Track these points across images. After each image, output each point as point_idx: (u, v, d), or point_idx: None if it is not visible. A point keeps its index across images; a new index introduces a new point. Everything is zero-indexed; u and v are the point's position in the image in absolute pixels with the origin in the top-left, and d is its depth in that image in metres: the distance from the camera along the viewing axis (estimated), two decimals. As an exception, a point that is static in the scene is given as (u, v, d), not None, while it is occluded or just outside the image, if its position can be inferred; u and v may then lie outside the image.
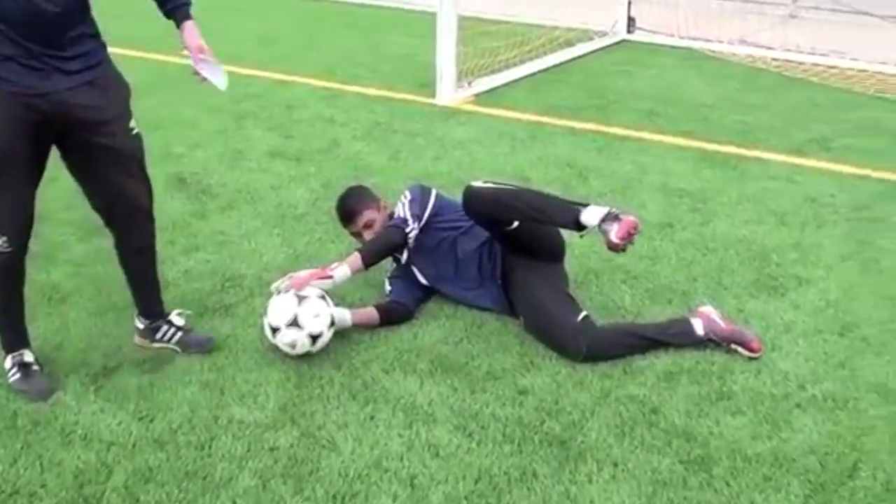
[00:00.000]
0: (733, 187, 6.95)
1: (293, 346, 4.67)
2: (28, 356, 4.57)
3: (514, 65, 9.96)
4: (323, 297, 4.80)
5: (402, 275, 5.34)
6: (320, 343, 4.72)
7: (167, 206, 6.26)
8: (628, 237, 4.65)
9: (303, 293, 4.74)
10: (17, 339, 4.58)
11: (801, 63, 10.37)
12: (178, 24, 4.42)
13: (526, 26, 11.09)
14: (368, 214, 5.27)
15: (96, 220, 4.57)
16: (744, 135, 8.12)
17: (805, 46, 10.76)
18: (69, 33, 4.10)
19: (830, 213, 6.55)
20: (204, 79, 4.44)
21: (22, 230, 4.27)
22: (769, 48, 10.89)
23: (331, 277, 4.87)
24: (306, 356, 4.74)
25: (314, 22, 12.40)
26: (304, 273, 4.89)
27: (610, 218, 4.68)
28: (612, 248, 4.68)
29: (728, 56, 10.76)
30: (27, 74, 4.04)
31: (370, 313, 5.04)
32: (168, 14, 4.42)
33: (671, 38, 11.41)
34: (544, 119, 8.40)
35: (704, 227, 6.27)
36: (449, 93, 8.85)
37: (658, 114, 8.68)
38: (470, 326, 5.06)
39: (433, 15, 9.03)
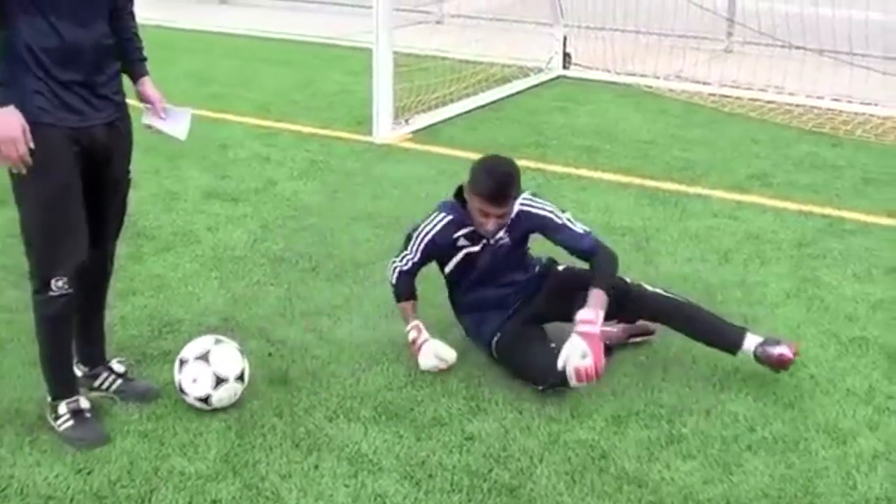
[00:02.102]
0: (675, 224, 6.92)
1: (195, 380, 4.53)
2: (84, 402, 4.44)
3: (451, 101, 9.90)
4: (203, 357, 4.58)
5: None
6: (215, 401, 4.53)
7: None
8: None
9: (182, 356, 4.61)
10: (72, 384, 4.47)
11: (738, 98, 10.40)
12: (135, 80, 4.43)
13: (462, 63, 11.03)
14: (513, 203, 4.92)
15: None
16: (685, 171, 8.11)
17: (742, 81, 10.80)
18: (106, 69, 4.14)
19: (774, 250, 6.53)
20: (158, 130, 4.47)
21: (79, 271, 4.21)
22: (706, 83, 10.92)
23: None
24: (245, 403, 4.61)
25: (248, 59, 12.27)
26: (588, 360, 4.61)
27: (770, 343, 4.86)
28: (780, 364, 4.83)
29: (665, 91, 10.76)
30: (68, 109, 4.03)
31: None
32: (124, 69, 4.36)
33: (607, 73, 11.40)
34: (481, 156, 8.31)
35: (647, 266, 6.22)
36: (386, 130, 8.76)
37: (597, 150, 8.65)
38: (413, 371, 4.95)
39: (368, 51, 8.95)
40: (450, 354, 4.93)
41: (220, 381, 4.51)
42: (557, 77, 11.46)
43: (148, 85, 4.47)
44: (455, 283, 5.19)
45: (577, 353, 4.58)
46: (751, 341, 4.88)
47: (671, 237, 6.68)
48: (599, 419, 4.58)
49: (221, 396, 4.52)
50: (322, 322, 5.35)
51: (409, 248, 5.06)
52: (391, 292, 5.16)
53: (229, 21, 14.32)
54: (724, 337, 4.96)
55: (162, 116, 4.49)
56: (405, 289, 5.10)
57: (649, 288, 5.08)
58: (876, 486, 4.19)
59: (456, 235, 4.99)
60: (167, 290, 5.81)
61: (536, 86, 11.04)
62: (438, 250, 5.04)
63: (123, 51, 4.31)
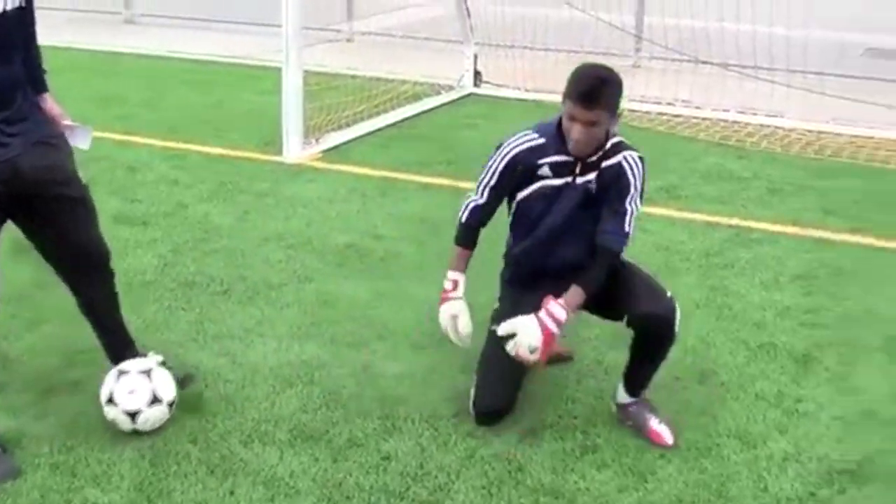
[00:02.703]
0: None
1: (114, 425, 4.49)
2: None
3: (362, 120, 9.88)
4: (146, 373, 4.55)
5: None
6: (141, 420, 4.48)
7: (9, 276, 5.99)
8: None
9: (123, 367, 4.56)
10: None
11: (647, 112, 10.52)
12: (36, 96, 4.37)
13: (373, 81, 11.06)
14: (603, 115, 4.39)
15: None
16: (593, 184, 8.18)
17: (650, 96, 10.94)
18: (17, 96, 4.10)
19: (682, 261, 6.63)
20: None
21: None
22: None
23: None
24: (160, 431, 4.56)
25: (156, 80, 12.12)
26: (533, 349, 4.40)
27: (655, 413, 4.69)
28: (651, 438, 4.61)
29: (573, 107, 10.84)
30: None
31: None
32: None
33: (518, 90, 11.48)
34: (395, 174, 8.34)
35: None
36: (296, 150, 8.74)
37: (508, 166, 8.69)
38: (328, 393, 4.93)
39: (278, 70, 8.93)
40: (465, 329, 4.70)
41: (155, 399, 4.48)
42: (469, 94, 11.51)
43: (48, 101, 4.44)
44: (517, 226, 4.80)
45: (526, 342, 4.40)
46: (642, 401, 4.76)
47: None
48: (515, 432, 4.61)
49: (149, 417, 4.48)
50: (235, 345, 5.32)
51: (486, 171, 4.69)
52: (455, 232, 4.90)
53: (137, 41, 14.17)
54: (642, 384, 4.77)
55: (64, 132, 4.45)
56: (466, 230, 4.83)
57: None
58: (787, 487, 4.29)
59: (541, 161, 4.55)
60: (77, 318, 5.71)
61: (448, 103, 11.07)
62: (518, 174, 4.59)
63: (24, 69, 4.28)
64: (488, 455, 4.44)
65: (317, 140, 9.07)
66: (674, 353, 5.22)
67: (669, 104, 10.79)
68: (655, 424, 4.63)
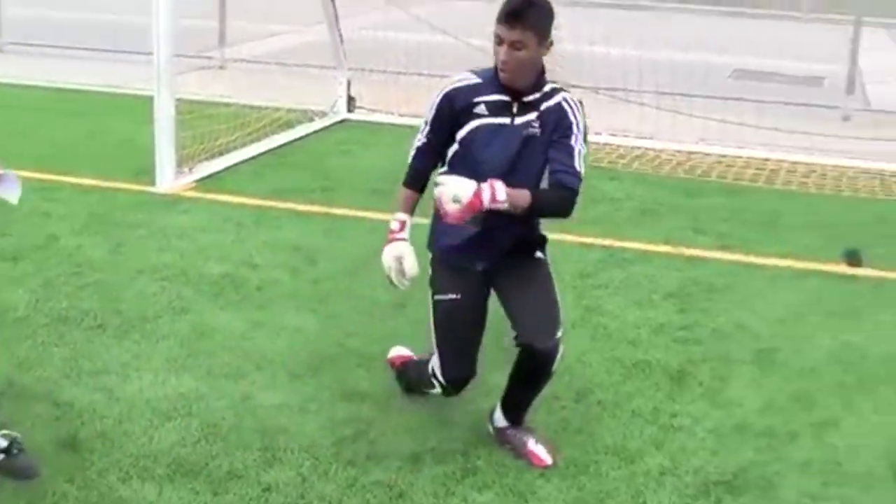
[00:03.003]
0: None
1: None
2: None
3: (236, 148, 9.81)
4: None
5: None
6: None
7: None
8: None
9: None
10: None
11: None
12: None
13: (246, 108, 10.99)
14: (528, 37, 4.31)
15: None
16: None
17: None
18: None
19: (558, 282, 6.69)
20: None
21: None
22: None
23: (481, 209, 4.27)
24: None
25: (24, 109, 11.84)
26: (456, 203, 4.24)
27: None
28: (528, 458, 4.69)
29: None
30: None
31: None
32: None
33: (391, 115, 11.53)
34: (269, 203, 8.30)
35: (438, 304, 6.31)
36: (169, 180, 8.65)
37: (383, 192, 8.69)
38: (207, 425, 4.89)
39: (150, 99, 8.84)
40: (411, 271, 4.58)
41: None
42: (342, 120, 11.53)
43: None
44: (457, 169, 4.51)
45: (452, 193, 4.27)
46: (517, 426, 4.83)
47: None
48: (396, 459, 4.63)
49: None
50: (111, 380, 5.24)
51: (427, 112, 4.58)
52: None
53: (4, 70, 13.88)
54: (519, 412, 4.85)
55: None
56: (412, 171, 4.70)
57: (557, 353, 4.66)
58: (664, 500, 4.41)
59: (477, 100, 4.48)
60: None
61: (321, 130, 11.07)
62: (456, 111, 4.49)
63: None
64: (369, 483, 4.44)
65: (190, 169, 8.99)
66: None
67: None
68: (532, 445, 4.69)
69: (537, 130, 4.46)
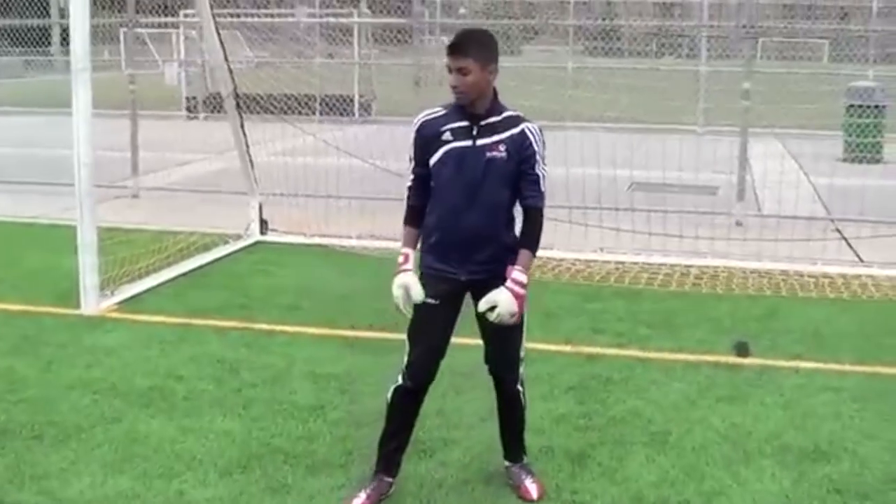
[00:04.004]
0: (377, 367, 7.43)
1: None
2: None
3: (155, 271, 10.20)
4: None
5: None
6: None
7: None
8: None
9: None
10: None
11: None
12: None
13: (162, 233, 11.43)
14: (470, 64, 5.05)
15: None
16: (382, 318, 8.65)
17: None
18: None
19: (466, 381, 7.14)
20: None
21: None
22: (397, 240, 11.58)
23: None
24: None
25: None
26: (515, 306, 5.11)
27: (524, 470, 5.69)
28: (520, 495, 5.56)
29: (360, 250, 11.41)
30: None
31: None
32: None
33: (303, 236, 12.00)
34: (191, 321, 8.68)
35: (354, 405, 6.74)
36: (93, 303, 9.00)
37: (300, 307, 9.16)
38: (145, 517, 5.23)
39: (67, 227, 9.19)
40: (417, 297, 5.21)
41: None
42: (256, 243, 11.97)
43: None
44: (433, 195, 5.28)
45: (507, 311, 5.08)
46: (518, 464, 5.72)
47: (374, 378, 7.12)
48: None
49: None
50: (52, 484, 5.57)
51: (410, 151, 5.32)
52: None
53: None
54: (515, 449, 5.75)
55: None
56: (409, 211, 5.37)
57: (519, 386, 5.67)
58: (567, 568, 4.81)
59: (444, 128, 5.18)
60: None
61: (237, 251, 11.51)
62: (427, 142, 5.21)
63: None
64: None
65: (112, 292, 9.34)
66: (461, 460, 5.80)
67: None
68: (528, 483, 5.55)
69: (504, 155, 5.14)
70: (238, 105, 11.89)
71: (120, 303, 9.27)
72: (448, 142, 5.16)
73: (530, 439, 6.13)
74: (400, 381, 5.45)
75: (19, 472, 5.78)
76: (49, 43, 37.26)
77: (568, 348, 7.99)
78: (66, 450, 6.08)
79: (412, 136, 5.30)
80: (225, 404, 6.78)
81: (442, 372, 7.10)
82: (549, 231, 11.26)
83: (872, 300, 9.54)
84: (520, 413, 5.66)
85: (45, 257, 10.98)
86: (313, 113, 20.20)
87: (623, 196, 13.40)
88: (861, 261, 11.09)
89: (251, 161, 12.23)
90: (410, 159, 5.34)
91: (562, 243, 11.19)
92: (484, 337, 5.50)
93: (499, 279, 5.16)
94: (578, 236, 11.49)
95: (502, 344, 5.47)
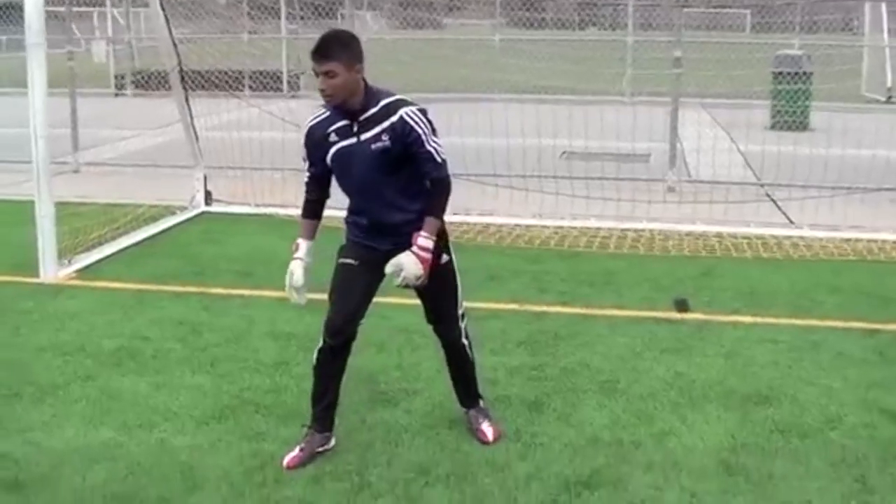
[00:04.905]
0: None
1: None
2: None
3: (107, 241, 10.39)
4: None
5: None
6: None
7: None
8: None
9: None
10: None
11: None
12: None
13: (110, 206, 11.63)
14: (335, 66, 5.20)
15: None
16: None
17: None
18: None
19: (421, 338, 7.46)
20: None
21: None
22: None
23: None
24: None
25: None
26: (420, 264, 5.41)
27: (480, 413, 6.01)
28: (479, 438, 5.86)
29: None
30: None
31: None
32: None
33: (248, 206, 12.25)
34: (148, 287, 8.91)
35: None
36: (52, 271, 9.20)
37: (252, 273, 9.41)
38: (131, 465, 5.52)
39: (11, 202, 9.37)
40: (296, 282, 5.64)
41: None
42: (202, 213, 12.19)
43: None
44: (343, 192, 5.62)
45: (412, 273, 5.37)
46: (475, 409, 6.06)
47: (333, 336, 7.48)
48: (300, 480, 5.35)
49: None
50: (37, 436, 5.83)
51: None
52: None
53: None
54: (469, 395, 6.09)
55: None
56: (305, 203, 5.74)
57: (464, 336, 6.03)
58: (533, 500, 5.17)
59: (329, 129, 5.41)
60: None
61: (184, 222, 11.74)
62: (316, 144, 5.45)
63: None
64: (281, 498, 5.17)
65: (69, 261, 9.54)
66: (424, 408, 6.13)
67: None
68: (484, 427, 5.89)
69: (388, 143, 5.35)
70: (183, 79, 12.08)
71: (78, 271, 9.48)
72: (335, 142, 5.42)
73: (487, 390, 6.47)
74: (321, 341, 5.70)
75: (3, 426, 6.02)
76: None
77: (515, 306, 8.34)
78: (46, 406, 6.32)
79: (303, 139, 5.57)
80: (192, 362, 7.04)
81: (398, 330, 7.51)
82: (490, 197, 11.83)
83: (804, 259, 10.01)
84: (467, 364, 6.03)
85: (-6, 231, 11.14)
86: (242, 88, 20.36)
87: (558, 164, 13.78)
88: (791, 223, 11.57)
89: (196, 133, 12.43)
90: (304, 159, 5.64)
91: (502, 210, 11.59)
92: (420, 299, 5.86)
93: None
94: (517, 203, 11.86)
95: (436, 304, 5.86)
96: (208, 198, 12.50)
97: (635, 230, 11.05)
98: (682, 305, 8.26)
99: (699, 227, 11.08)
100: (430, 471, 5.46)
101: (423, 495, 5.21)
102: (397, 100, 5.42)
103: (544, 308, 8.33)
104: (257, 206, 12.24)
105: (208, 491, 5.25)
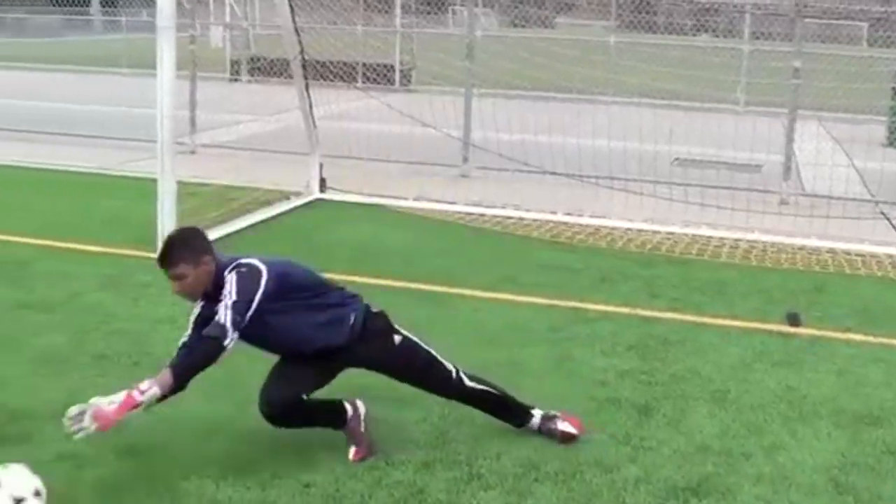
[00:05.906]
0: (444, 318, 7.82)
1: None
2: None
3: (223, 222, 10.55)
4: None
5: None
6: None
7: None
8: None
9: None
10: None
11: (482, 215, 11.59)
12: None
13: (226, 188, 11.86)
14: (183, 268, 5.27)
15: None
16: (443, 275, 9.05)
17: (481, 200, 12.00)
18: None
19: (531, 335, 7.53)
20: None
21: None
22: (451, 202, 12.03)
23: (138, 406, 4.88)
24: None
25: (22, 188, 12.56)
26: (107, 407, 4.79)
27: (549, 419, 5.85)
28: (564, 440, 5.78)
29: (413, 210, 11.83)
30: None
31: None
32: None
33: (361, 196, 12.39)
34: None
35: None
36: (170, 248, 9.37)
37: (363, 260, 9.52)
38: (248, 436, 5.68)
39: (132, 178, 9.56)
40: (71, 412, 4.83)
41: (18, 501, 4.54)
42: (315, 200, 12.36)
43: None
44: None
45: (92, 413, 4.78)
46: (535, 419, 5.88)
47: (443, 328, 7.41)
48: (411, 466, 5.42)
49: None
50: (161, 405, 5.96)
51: None
52: None
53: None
54: (516, 416, 5.91)
55: None
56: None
57: (467, 382, 5.77)
58: (641, 501, 5.18)
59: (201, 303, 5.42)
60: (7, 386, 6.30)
61: (298, 207, 11.91)
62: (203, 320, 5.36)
63: None
64: (392, 482, 5.24)
65: (186, 239, 9.71)
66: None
67: (501, 208, 11.91)
68: (561, 426, 5.81)
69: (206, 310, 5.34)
70: (304, 67, 12.25)
71: (192, 249, 9.63)
72: (210, 315, 5.29)
73: (597, 391, 6.52)
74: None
75: (122, 393, 6.16)
76: (88, 4, 37.75)
77: (626, 310, 8.32)
78: (166, 377, 6.46)
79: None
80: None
81: (506, 326, 7.52)
82: (604, 200, 11.83)
83: (920, 280, 9.85)
84: (491, 397, 5.86)
85: (117, 206, 11.38)
86: (355, 80, 20.57)
87: (668, 171, 13.72)
88: (907, 243, 11.36)
89: (314, 121, 12.60)
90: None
91: (615, 213, 11.57)
92: (405, 383, 5.86)
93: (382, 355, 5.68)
94: (630, 207, 11.83)
95: (419, 380, 5.82)
96: (323, 185, 12.66)
97: (748, 241, 10.94)
98: (794, 319, 8.18)
99: (813, 242, 10.93)
100: (539, 467, 5.48)
101: (532, 490, 5.23)
102: (231, 264, 5.38)
103: (655, 313, 8.30)
104: (369, 195, 12.37)
105: (322, 471, 5.34)
